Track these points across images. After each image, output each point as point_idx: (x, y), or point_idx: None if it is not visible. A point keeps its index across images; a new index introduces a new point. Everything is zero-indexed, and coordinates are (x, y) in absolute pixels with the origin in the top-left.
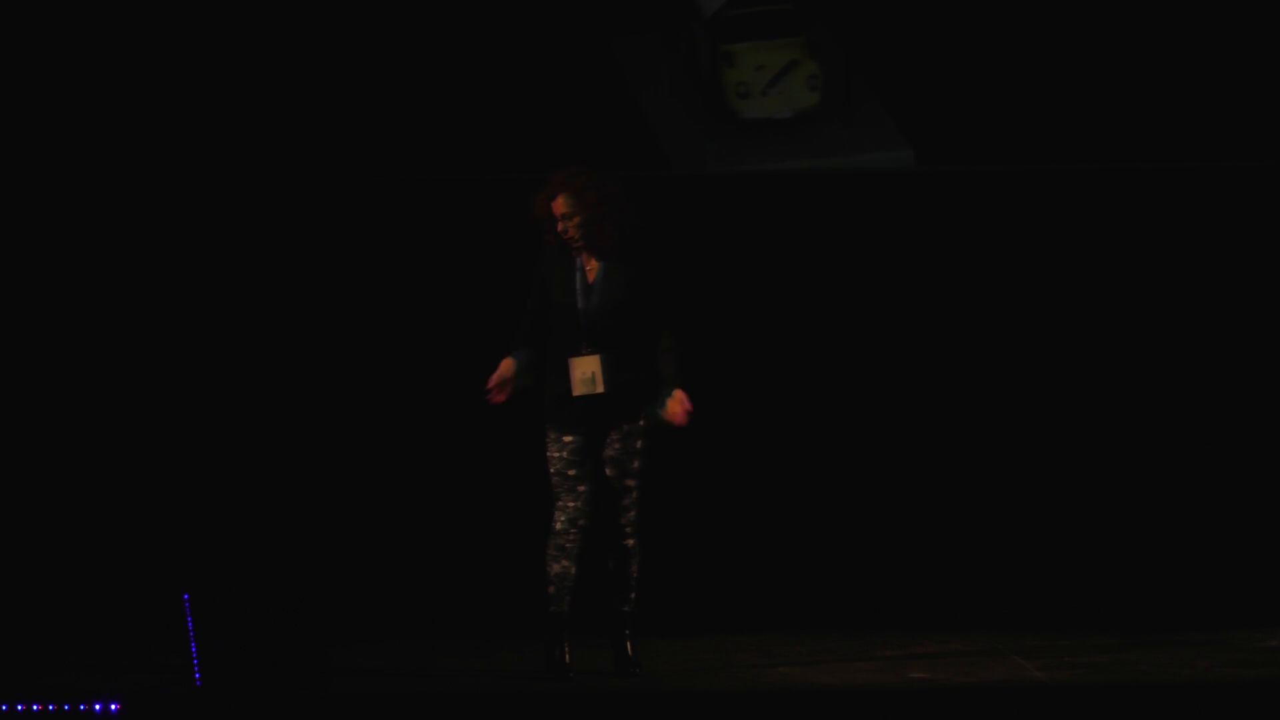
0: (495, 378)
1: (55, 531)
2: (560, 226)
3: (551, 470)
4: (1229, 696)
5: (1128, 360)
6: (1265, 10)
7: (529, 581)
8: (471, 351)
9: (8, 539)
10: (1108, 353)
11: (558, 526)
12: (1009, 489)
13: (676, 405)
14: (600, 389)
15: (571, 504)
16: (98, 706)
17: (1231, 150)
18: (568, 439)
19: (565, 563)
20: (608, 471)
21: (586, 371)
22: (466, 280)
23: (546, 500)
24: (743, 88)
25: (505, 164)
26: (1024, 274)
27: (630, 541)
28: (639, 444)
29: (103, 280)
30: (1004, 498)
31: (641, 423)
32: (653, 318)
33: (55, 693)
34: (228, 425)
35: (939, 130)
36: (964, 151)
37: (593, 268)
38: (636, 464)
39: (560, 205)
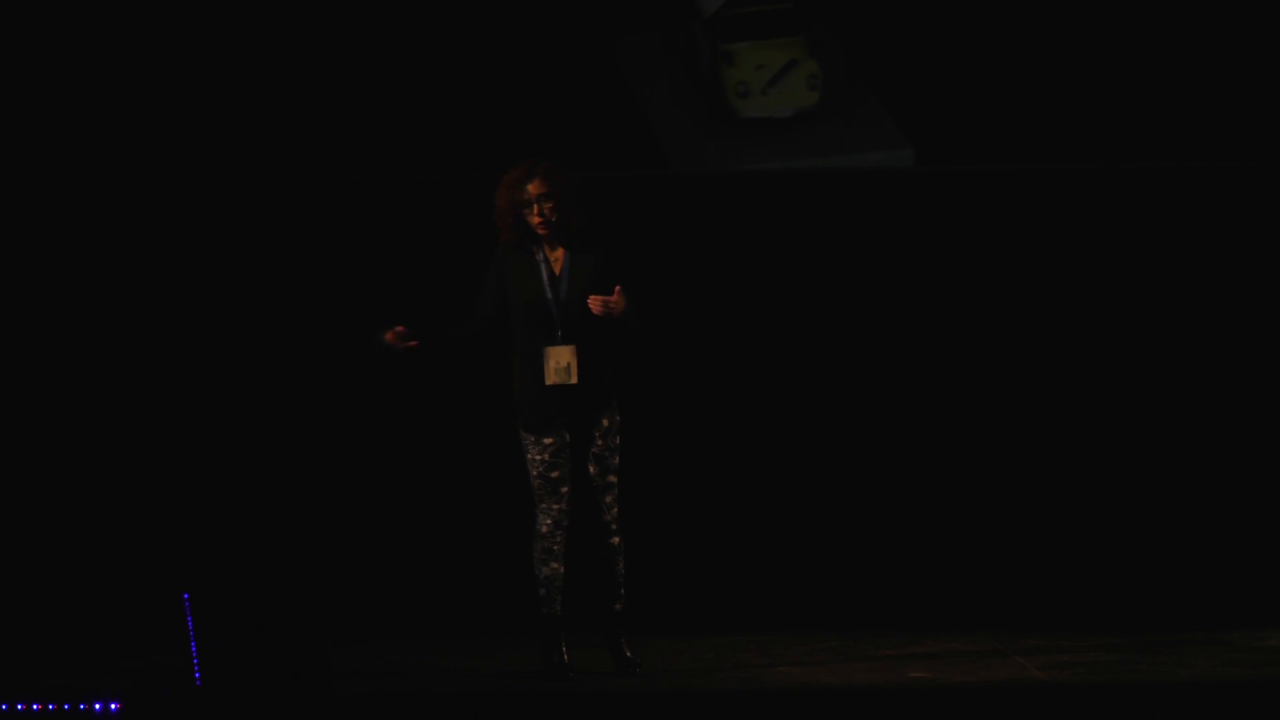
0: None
1: (55, 531)
2: (536, 209)
3: (533, 474)
4: (1229, 696)
5: (1127, 360)
6: (1265, 10)
7: (529, 581)
8: (472, 352)
9: (8, 539)
10: (1108, 352)
11: (543, 530)
12: (1009, 488)
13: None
14: (574, 379)
15: (556, 506)
16: (98, 706)
17: (1231, 150)
18: (547, 440)
19: (554, 565)
20: (591, 469)
21: (562, 361)
22: (466, 280)
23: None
24: (743, 87)
25: (505, 163)
26: (1024, 274)
27: (616, 540)
28: (618, 440)
29: (102, 280)
30: (1003, 497)
31: (617, 418)
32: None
33: (55, 693)
34: (228, 425)
35: (939, 130)
36: (964, 151)
37: (556, 259)
38: (617, 460)
39: (539, 186)
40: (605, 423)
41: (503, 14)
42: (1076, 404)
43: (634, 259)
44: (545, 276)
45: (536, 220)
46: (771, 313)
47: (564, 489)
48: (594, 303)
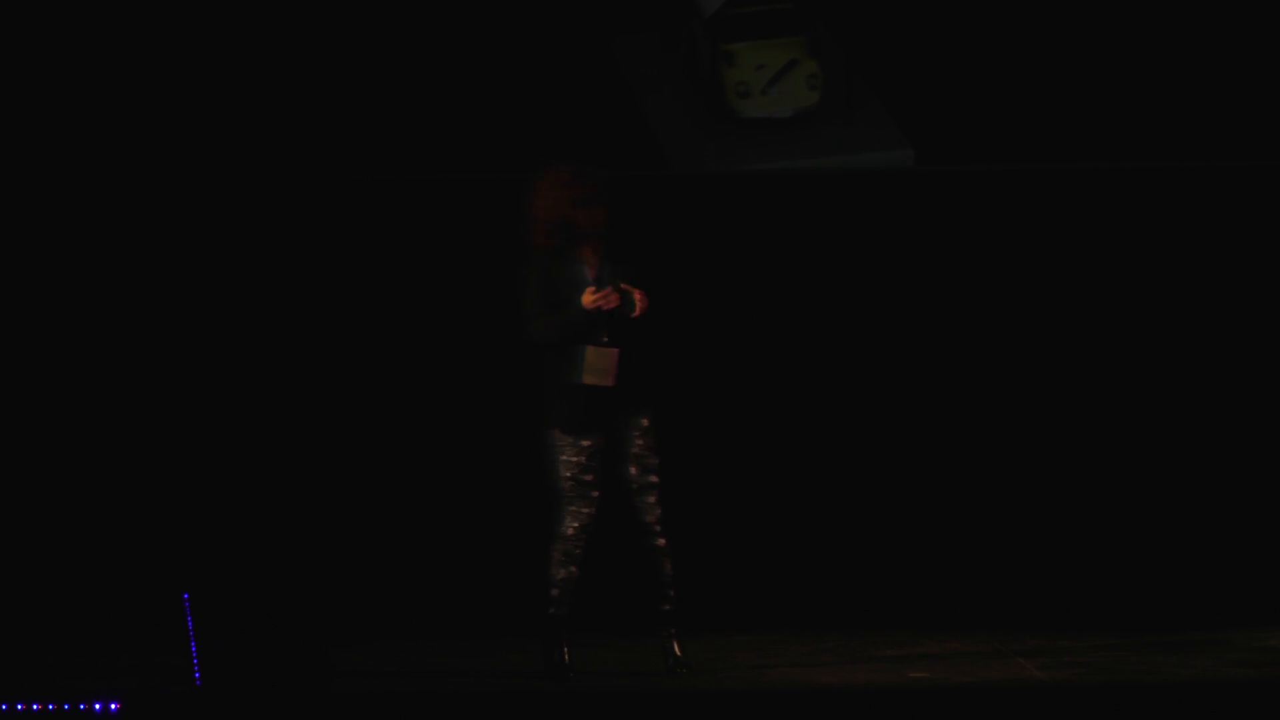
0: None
1: (55, 531)
2: (594, 211)
3: (566, 475)
4: (1229, 696)
5: (1127, 360)
6: (1265, 10)
7: (529, 582)
8: (472, 351)
9: (9, 539)
10: (1107, 352)
11: (569, 533)
12: (1009, 489)
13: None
14: (610, 382)
15: (585, 510)
16: (98, 706)
17: (1231, 150)
18: (585, 443)
19: (573, 568)
20: (631, 470)
21: (602, 362)
22: (467, 280)
23: (544, 500)
24: (743, 87)
25: (505, 163)
26: (1024, 274)
27: (661, 540)
28: (656, 440)
29: (103, 280)
30: (1004, 497)
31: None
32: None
33: (55, 693)
34: (228, 425)
35: (939, 130)
36: (964, 151)
37: (593, 262)
38: (657, 460)
39: (594, 188)
40: (645, 422)
41: (502, 14)
42: (1076, 404)
43: (637, 259)
44: (587, 279)
45: (594, 222)
46: (771, 313)
47: (594, 493)
48: (641, 298)
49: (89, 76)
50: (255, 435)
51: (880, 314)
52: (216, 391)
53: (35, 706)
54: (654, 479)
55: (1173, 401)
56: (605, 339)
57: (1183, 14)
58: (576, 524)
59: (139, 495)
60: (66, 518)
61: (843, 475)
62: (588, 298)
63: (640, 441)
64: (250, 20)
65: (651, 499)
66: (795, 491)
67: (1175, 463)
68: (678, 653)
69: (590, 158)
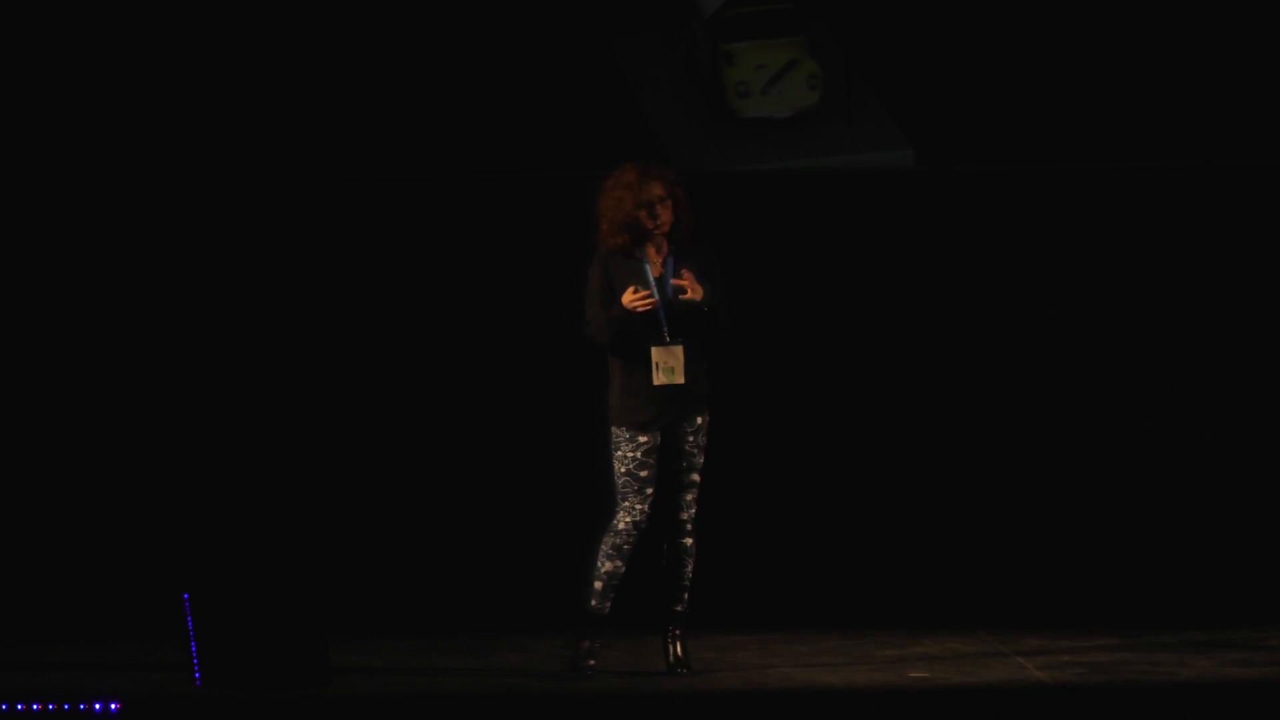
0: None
1: (55, 531)
2: (659, 211)
3: (621, 470)
4: (1229, 696)
5: (1128, 359)
6: (1265, 10)
7: (530, 580)
8: (471, 349)
9: (8, 539)
10: (1107, 352)
11: (620, 527)
12: (1009, 488)
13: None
14: (681, 379)
15: (639, 506)
16: (98, 706)
17: (1231, 150)
18: (643, 439)
19: (619, 563)
20: (677, 465)
21: (670, 361)
22: (467, 278)
23: (548, 498)
24: (743, 87)
25: (505, 163)
26: (1024, 274)
27: (689, 540)
28: (705, 439)
29: (103, 280)
30: (1004, 497)
31: (708, 417)
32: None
33: (55, 693)
34: (228, 424)
35: (939, 130)
36: (964, 151)
37: (657, 260)
38: (703, 459)
39: (659, 189)
40: (699, 420)
41: (502, 13)
42: (1076, 404)
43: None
44: (650, 278)
45: (660, 222)
46: (771, 313)
47: (649, 490)
48: (688, 282)
49: (80, 76)
50: (255, 434)
51: (880, 314)
52: (216, 391)
53: (35, 706)
54: (696, 477)
55: (1173, 401)
56: (667, 336)
57: (1183, 14)
58: (630, 519)
59: (139, 494)
60: (66, 516)
61: (843, 474)
62: (628, 297)
63: (691, 439)
64: (249, 20)
65: (689, 497)
66: (795, 491)
67: (1175, 462)
68: (680, 653)
69: (590, 158)
